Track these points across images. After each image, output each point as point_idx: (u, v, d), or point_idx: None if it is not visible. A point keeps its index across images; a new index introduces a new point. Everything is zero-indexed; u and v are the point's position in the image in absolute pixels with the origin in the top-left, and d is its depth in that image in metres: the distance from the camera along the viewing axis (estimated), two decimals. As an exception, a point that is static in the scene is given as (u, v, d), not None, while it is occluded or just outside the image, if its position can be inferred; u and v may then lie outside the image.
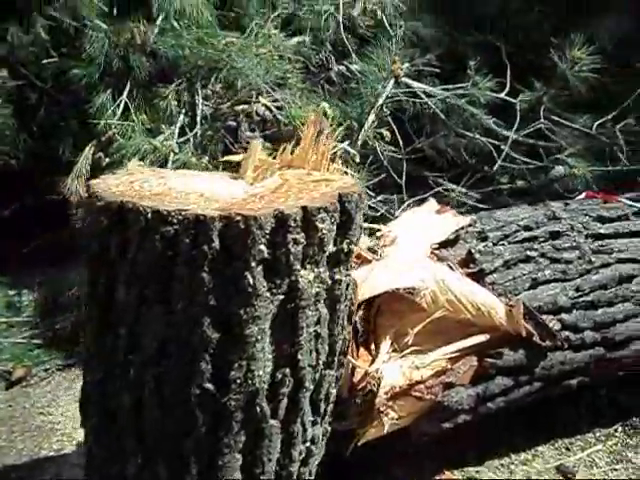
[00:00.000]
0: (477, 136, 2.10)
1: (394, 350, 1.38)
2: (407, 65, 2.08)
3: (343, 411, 1.35)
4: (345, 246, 1.03)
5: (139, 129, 2.00)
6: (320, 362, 1.11)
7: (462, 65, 2.25)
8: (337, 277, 1.05)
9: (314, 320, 1.05)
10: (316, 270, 1.00)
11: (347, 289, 1.10)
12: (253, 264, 0.94)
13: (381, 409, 1.34)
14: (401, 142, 2.08)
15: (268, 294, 0.97)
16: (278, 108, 1.90)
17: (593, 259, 1.50)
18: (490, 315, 1.39)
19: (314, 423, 1.21)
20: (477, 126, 2.12)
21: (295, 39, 2.11)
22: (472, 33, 2.48)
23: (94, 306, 1.09)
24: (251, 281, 0.95)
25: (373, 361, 1.34)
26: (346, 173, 1.18)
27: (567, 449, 1.63)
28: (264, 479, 1.15)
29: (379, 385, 1.32)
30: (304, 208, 0.95)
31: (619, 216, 1.61)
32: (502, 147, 2.08)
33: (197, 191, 1.06)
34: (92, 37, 2.03)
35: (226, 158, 1.28)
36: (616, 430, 1.66)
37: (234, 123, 1.96)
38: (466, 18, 2.51)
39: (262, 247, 0.94)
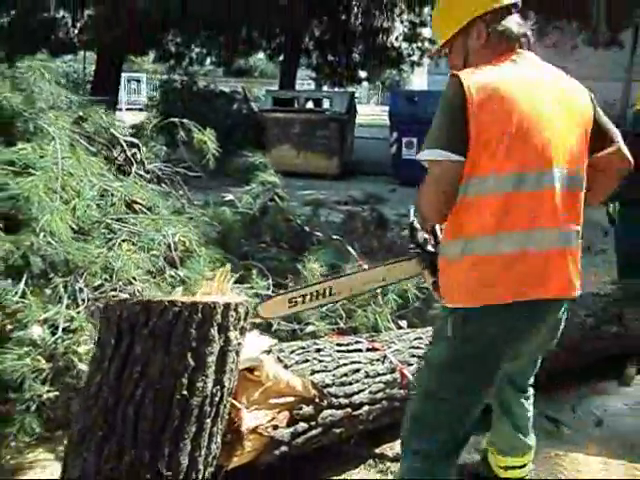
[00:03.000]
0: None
1: (246, 407, 2.46)
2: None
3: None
4: (245, 324, 2.19)
5: (35, 306, 2.91)
6: (229, 388, 2.18)
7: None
8: (240, 340, 2.19)
9: (231, 360, 2.15)
10: (235, 332, 2.13)
11: (240, 349, 2.23)
12: (214, 325, 2.06)
13: (244, 438, 2.39)
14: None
15: (218, 341, 2.08)
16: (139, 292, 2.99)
17: (339, 361, 2.79)
18: (294, 386, 2.57)
19: (219, 433, 2.23)
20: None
21: (144, 254, 3.26)
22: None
23: (115, 361, 2.06)
24: (213, 333, 2.06)
25: (238, 410, 2.41)
26: (239, 295, 2.35)
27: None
28: (200, 462, 2.13)
29: (243, 422, 2.39)
30: (236, 303, 2.12)
31: (347, 343, 2.95)
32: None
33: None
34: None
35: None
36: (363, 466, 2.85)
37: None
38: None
39: (218, 316, 2.07)
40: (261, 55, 19.59)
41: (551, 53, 14.66)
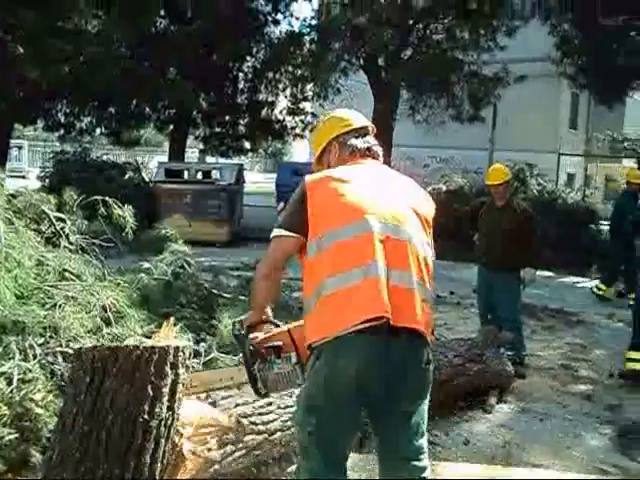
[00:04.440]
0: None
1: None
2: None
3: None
4: (188, 363, 2.80)
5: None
6: (177, 413, 2.76)
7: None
8: (183, 376, 2.78)
9: (179, 390, 2.74)
10: (182, 369, 2.73)
11: (184, 382, 2.82)
12: (168, 363, 2.65)
13: (186, 455, 2.95)
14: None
15: (170, 375, 2.67)
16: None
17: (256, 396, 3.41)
18: (217, 418, 3.17)
19: (168, 450, 2.79)
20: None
21: (86, 315, 3.78)
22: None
23: (89, 395, 2.59)
24: (167, 370, 2.65)
25: (181, 435, 2.98)
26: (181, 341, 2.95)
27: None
28: (157, 474, 2.68)
29: (184, 446, 2.96)
30: (182, 346, 2.73)
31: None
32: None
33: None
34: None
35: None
36: None
37: (59, 359, 3.50)
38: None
39: (170, 357, 2.67)
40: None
41: (422, 128, 16.23)
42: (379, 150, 2.81)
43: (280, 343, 2.74)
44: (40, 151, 29.82)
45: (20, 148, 29.28)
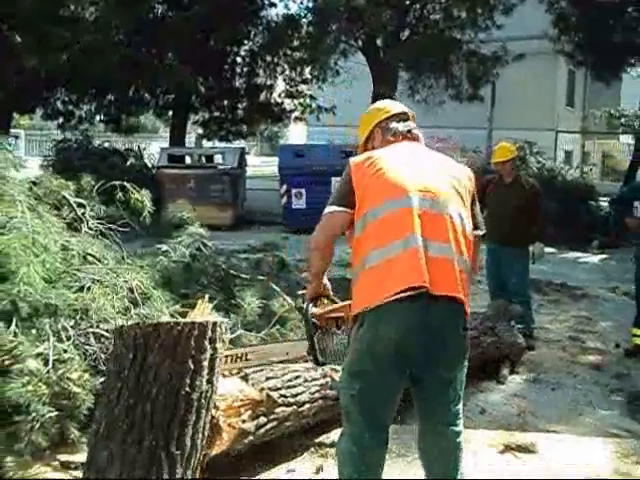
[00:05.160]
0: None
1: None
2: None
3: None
4: (225, 337, 2.92)
5: (28, 343, 3.49)
6: (215, 386, 2.89)
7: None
8: (221, 351, 2.91)
9: (217, 364, 2.87)
10: (220, 343, 2.86)
11: (222, 356, 2.95)
12: (207, 338, 2.78)
13: (222, 427, 3.09)
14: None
15: (209, 349, 2.79)
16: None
17: (284, 370, 3.54)
18: (249, 394, 3.30)
19: (208, 422, 2.92)
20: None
21: (116, 296, 3.91)
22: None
23: (133, 370, 2.72)
24: (206, 344, 2.77)
25: (217, 408, 3.11)
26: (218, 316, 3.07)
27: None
28: (198, 444, 2.81)
29: (221, 417, 3.09)
30: (220, 321, 2.85)
31: (289, 357, 3.72)
32: None
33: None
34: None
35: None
36: (307, 452, 3.59)
37: (93, 341, 3.63)
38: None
39: (209, 331, 2.79)
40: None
41: (422, 108, 16.27)
42: (419, 133, 2.99)
43: (342, 314, 2.92)
44: (37, 140, 29.76)
45: (17, 137, 29.12)
